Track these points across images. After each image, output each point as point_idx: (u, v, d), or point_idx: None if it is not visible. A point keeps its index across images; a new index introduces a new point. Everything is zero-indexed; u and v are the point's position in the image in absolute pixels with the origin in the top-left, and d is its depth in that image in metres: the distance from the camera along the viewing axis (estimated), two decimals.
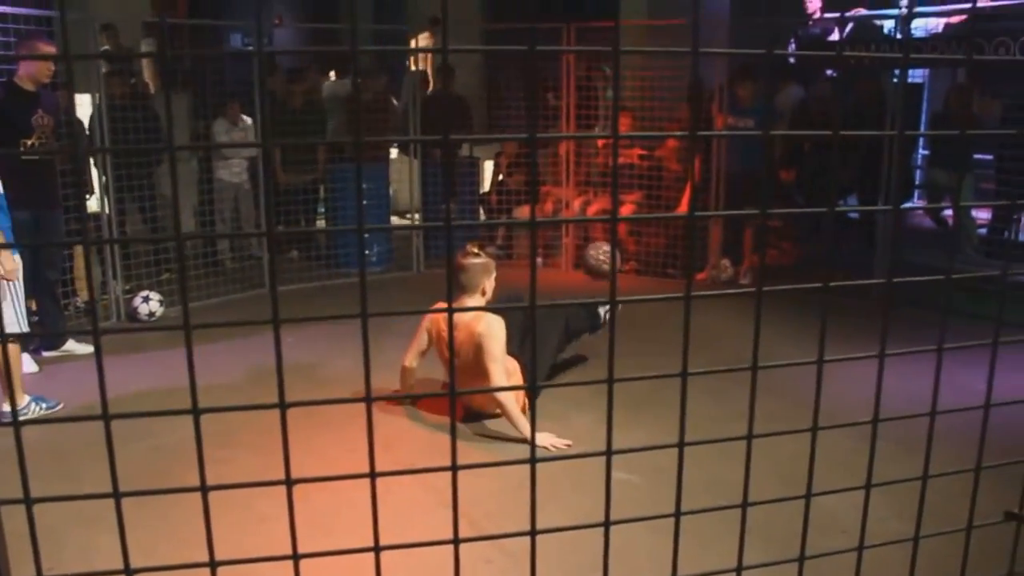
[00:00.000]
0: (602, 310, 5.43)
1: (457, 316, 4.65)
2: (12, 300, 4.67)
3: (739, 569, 1.29)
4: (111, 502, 2.66)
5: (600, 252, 5.78)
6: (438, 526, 3.59)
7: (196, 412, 1.02)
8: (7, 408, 4.65)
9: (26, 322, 4.85)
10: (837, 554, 1.49)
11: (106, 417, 1.01)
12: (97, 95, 6.56)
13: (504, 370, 4.54)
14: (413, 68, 9.68)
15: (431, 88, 9.54)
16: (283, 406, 1.03)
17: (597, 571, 3.28)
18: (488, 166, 10.01)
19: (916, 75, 10.10)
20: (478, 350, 4.54)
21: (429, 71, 10.02)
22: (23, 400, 4.80)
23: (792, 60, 8.92)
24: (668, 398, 4.77)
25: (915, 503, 1.45)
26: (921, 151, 10.16)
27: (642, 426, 4.52)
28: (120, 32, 8.41)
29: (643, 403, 4.75)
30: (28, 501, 1.00)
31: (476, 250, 4.87)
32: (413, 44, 9.91)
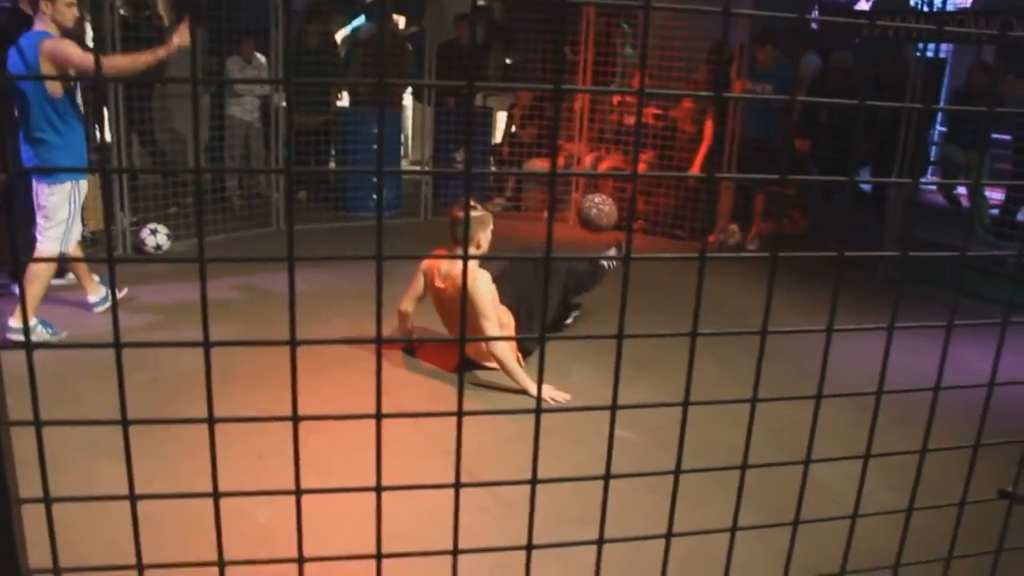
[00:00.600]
0: (604, 261, 5.43)
1: (449, 266, 4.67)
2: (67, 221, 4.94)
3: (733, 529, 1.30)
4: (113, 432, 2.70)
5: (594, 203, 5.71)
6: (434, 471, 3.62)
7: (207, 345, 1.02)
8: (14, 324, 4.85)
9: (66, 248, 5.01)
10: (830, 521, 1.50)
11: (117, 345, 1.02)
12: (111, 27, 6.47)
13: (497, 324, 4.56)
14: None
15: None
16: (293, 343, 1.03)
17: (588, 524, 3.31)
18: (501, 117, 9.94)
19: (939, 50, 9.98)
20: (470, 303, 4.56)
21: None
22: (32, 320, 4.85)
23: (815, 27, 8.80)
24: (670, 357, 4.80)
25: (906, 476, 1.46)
26: (938, 127, 10.09)
27: (643, 385, 4.55)
28: None
29: (645, 362, 4.77)
30: (37, 424, 1.01)
31: (473, 202, 4.86)
32: None
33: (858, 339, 4.66)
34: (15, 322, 4.84)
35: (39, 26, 4.68)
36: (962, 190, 9.07)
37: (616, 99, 8.56)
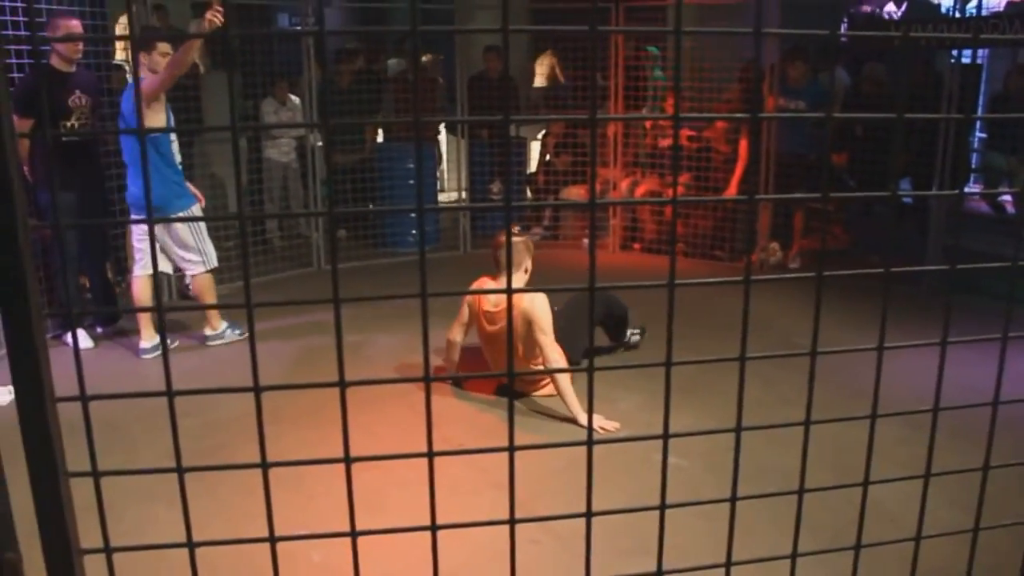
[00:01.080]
0: (631, 333, 5.46)
1: (500, 295, 4.69)
2: (198, 244, 5.62)
3: (794, 555, 1.28)
4: (166, 477, 2.72)
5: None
6: (486, 506, 3.61)
7: (257, 390, 1.03)
8: (208, 332, 5.77)
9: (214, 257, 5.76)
10: (893, 543, 1.47)
11: (170, 394, 1.03)
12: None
13: (555, 342, 4.57)
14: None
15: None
16: (343, 384, 1.04)
17: (641, 555, 3.28)
18: (535, 146, 9.98)
19: (976, 56, 9.87)
20: (524, 327, 4.57)
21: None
22: (220, 326, 5.79)
23: (844, 41, 8.75)
24: (713, 382, 4.74)
25: (965, 493, 1.43)
26: (978, 134, 9.95)
27: (688, 410, 4.50)
28: (170, 12, 8.50)
29: (688, 387, 4.72)
30: (96, 474, 1.02)
31: (515, 229, 4.90)
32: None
33: (906, 353, 4.57)
34: (210, 330, 5.74)
35: (141, 74, 4.81)
36: (1007, 196, 8.92)
37: (648, 123, 8.56)
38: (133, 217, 5.53)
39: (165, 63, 5.16)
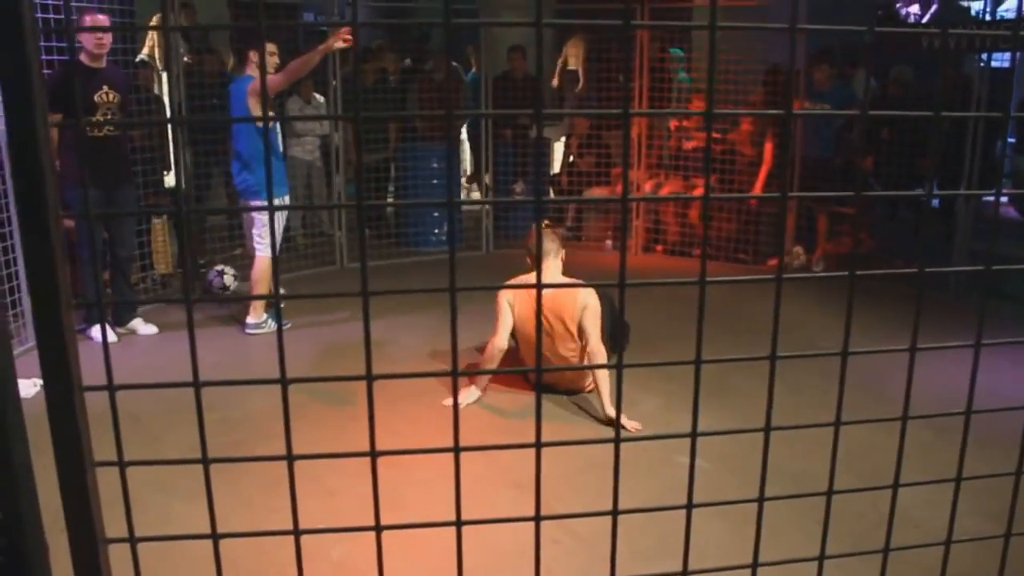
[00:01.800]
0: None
1: (547, 291, 4.71)
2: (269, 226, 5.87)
3: (821, 558, 1.26)
4: (187, 472, 2.72)
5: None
6: (506, 505, 3.60)
7: (284, 382, 1.03)
8: (250, 320, 5.95)
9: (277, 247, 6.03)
10: (919, 548, 1.45)
11: (196, 384, 1.03)
12: (176, 72, 6.66)
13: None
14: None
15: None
16: (370, 377, 1.03)
17: (662, 556, 3.26)
18: (558, 147, 9.96)
19: (1003, 59, 9.76)
20: (578, 317, 4.63)
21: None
22: (262, 316, 5.97)
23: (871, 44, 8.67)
24: (737, 384, 4.71)
25: (993, 501, 1.41)
26: (1008, 139, 9.83)
27: (711, 412, 4.47)
28: (198, 11, 8.56)
29: (711, 389, 4.69)
30: (122, 464, 1.03)
31: (545, 223, 4.92)
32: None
33: (933, 360, 4.53)
34: (253, 318, 5.94)
35: (248, 71, 5.71)
36: None
37: (673, 124, 8.52)
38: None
39: (273, 63, 5.57)
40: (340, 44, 5.43)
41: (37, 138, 0.95)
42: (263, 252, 5.87)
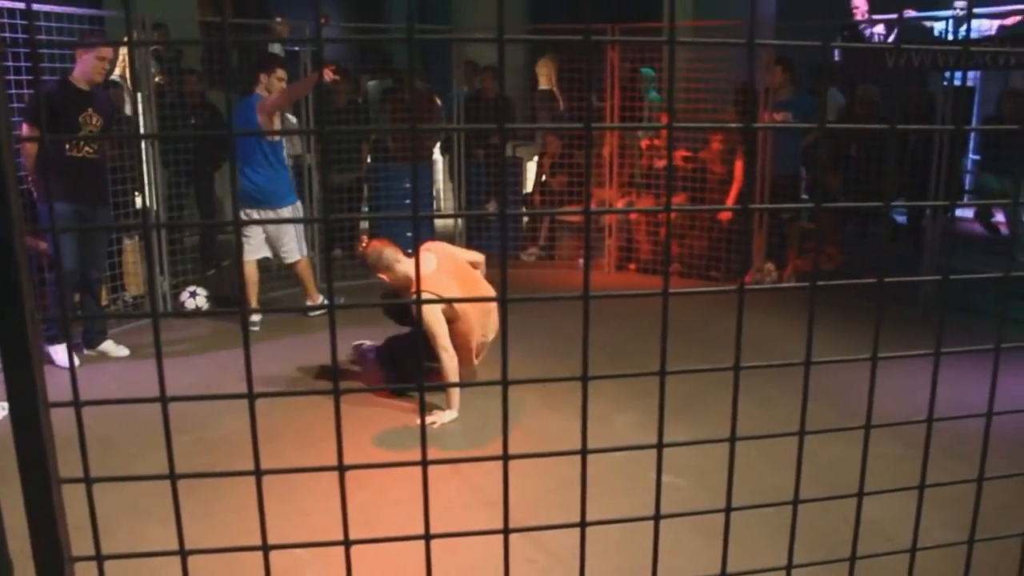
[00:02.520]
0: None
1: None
2: (295, 236, 6.64)
3: (789, 567, 1.27)
4: (160, 495, 2.69)
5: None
6: (480, 523, 3.59)
7: (251, 396, 1.03)
8: (309, 303, 6.77)
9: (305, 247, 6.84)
10: (886, 556, 1.47)
11: (164, 399, 1.03)
12: (147, 93, 6.65)
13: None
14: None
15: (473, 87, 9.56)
16: (337, 392, 1.04)
17: (639, 572, 3.26)
18: (531, 167, 10.01)
19: (972, 77, 9.94)
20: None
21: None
22: (319, 298, 6.76)
23: (837, 59, 8.80)
24: (710, 402, 4.74)
25: (961, 512, 1.43)
26: (971, 156, 10.00)
27: (684, 428, 4.49)
28: (171, 32, 8.55)
29: (684, 406, 4.72)
30: (88, 480, 1.02)
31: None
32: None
33: (902, 374, 4.58)
34: (310, 301, 6.79)
35: (257, 91, 6.31)
36: (1001, 218, 8.97)
37: (645, 143, 8.59)
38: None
39: (280, 87, 6.24)
40: (328, 76, 6.28)
41: (1, 153, 0.95)
42: (293, 258, 6.60)
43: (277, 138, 6.18)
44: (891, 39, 9.45)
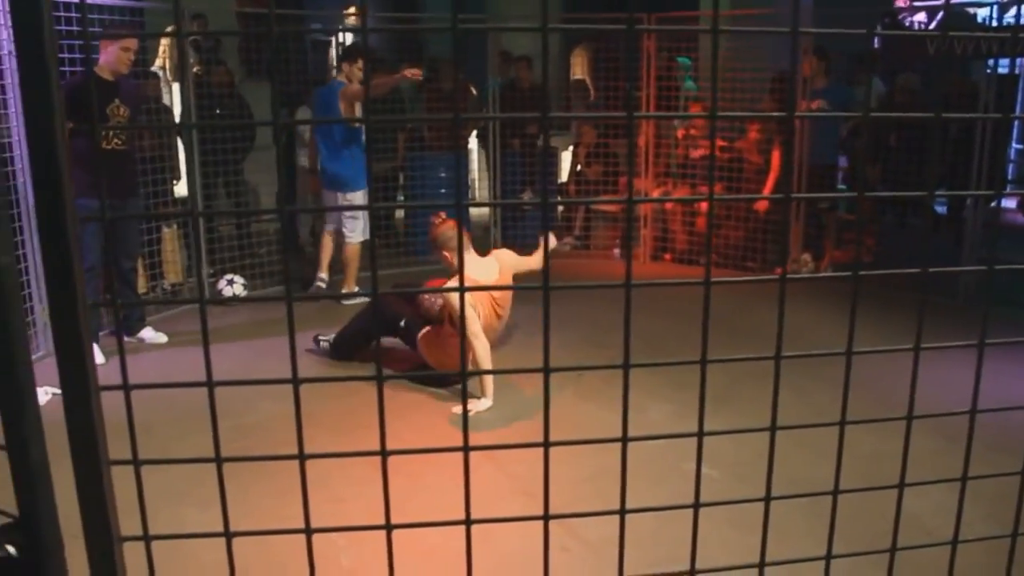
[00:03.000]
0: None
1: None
2: (362, 219, 6.99)
3: (828, 557, 1.27)
4: (197, 480, 2.74)
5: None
6: (516, 511, 3.59)
7: (296, 382, 1.05)
8: (345, 290, 7.04)
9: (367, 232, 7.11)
10: (926, 549, 1.45)
11: (210, 384, 1.05)
12: (188, 83, 6.71)
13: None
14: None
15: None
16: (380, 378, 1.05)
17: (672, 564, 3.25)
18: (566, 156, 10.00)
19: (1014, 66, 9.76)
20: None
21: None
22: (355, 288, 7.06)
23: (877, 47, 8.68)
24: (744, 393, 4.72)
25: (1003, 507, 1.41)
26: (1014, 145, 9.84)
27: (720, 419, 4.48)
28: (209, 22, 8.62)
29: (721, 396, 4.70)
30: (136, 463, 1.04)
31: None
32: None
33: (943, 368, 4.53)
34: (346, 288, 7.05)
35: (340, 78, 6.86)
36: None
37: (680, 133, 8.54)
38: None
39: (359, 76, 6.61)
40: (413, 75, 6.69)
41: (57, 148, 0.97)
42: (353, 239, 6.94)
43: (357, 125, 6.41)
44: (932, 26, 9.30)
